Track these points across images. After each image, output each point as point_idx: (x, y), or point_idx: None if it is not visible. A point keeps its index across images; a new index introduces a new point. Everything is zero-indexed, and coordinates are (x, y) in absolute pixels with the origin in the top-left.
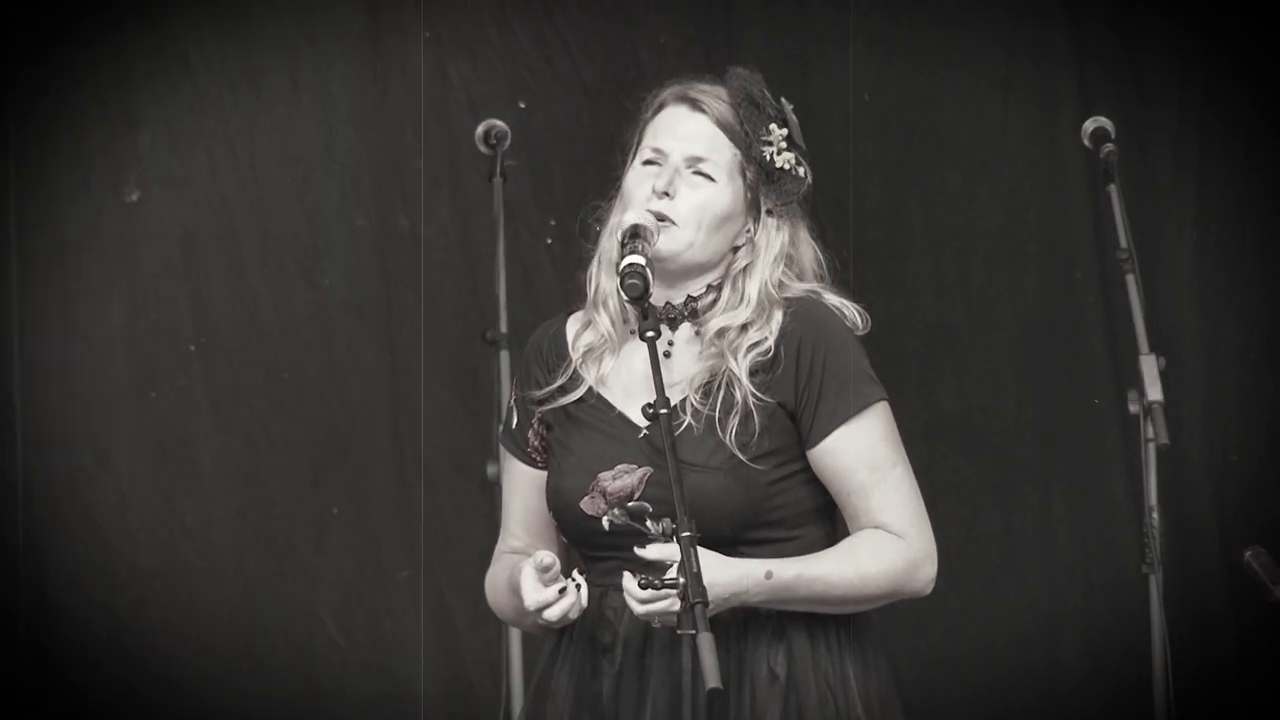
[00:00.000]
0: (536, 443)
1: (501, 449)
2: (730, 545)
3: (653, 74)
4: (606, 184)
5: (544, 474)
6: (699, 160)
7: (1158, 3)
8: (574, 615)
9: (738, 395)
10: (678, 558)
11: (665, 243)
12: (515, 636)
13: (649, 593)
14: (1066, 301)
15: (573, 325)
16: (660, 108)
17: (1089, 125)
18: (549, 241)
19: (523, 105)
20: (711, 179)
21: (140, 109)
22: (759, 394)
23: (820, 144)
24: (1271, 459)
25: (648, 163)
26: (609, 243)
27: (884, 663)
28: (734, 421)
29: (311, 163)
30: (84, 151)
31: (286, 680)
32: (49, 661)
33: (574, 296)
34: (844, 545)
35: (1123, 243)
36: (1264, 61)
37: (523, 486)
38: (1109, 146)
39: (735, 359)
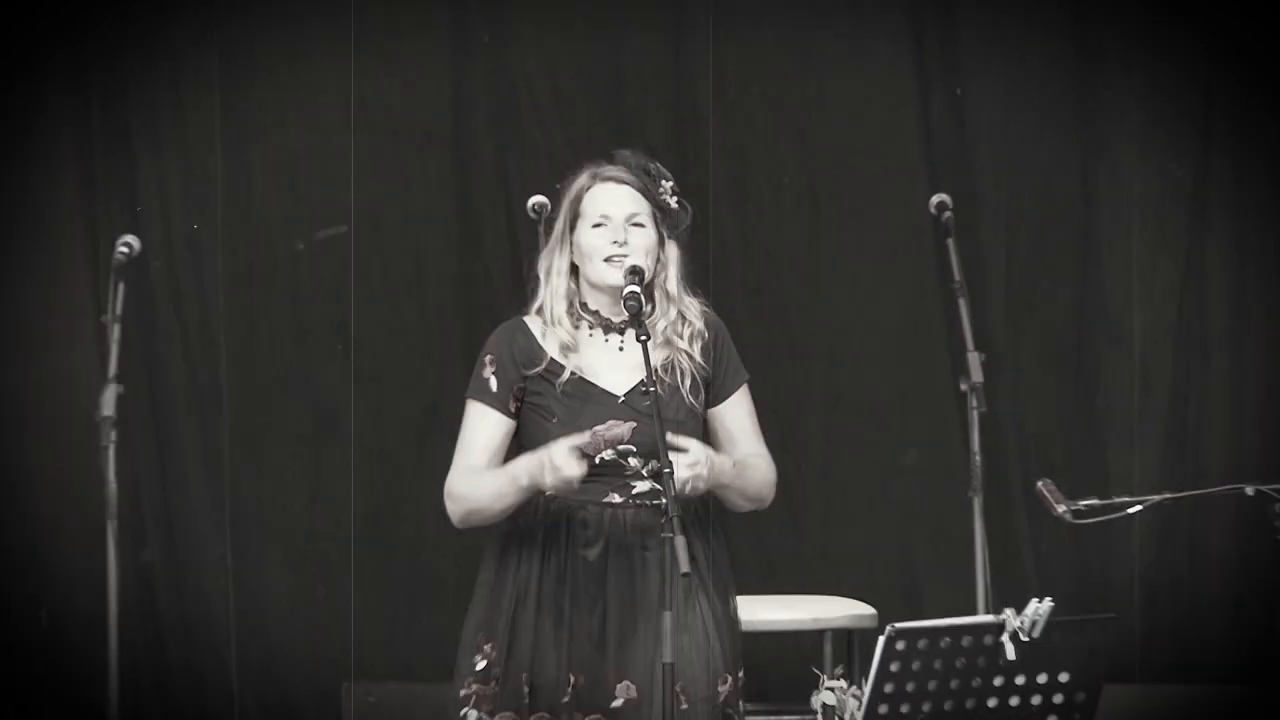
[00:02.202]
0: (513, 405)
1: (472, 402)
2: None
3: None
4: None
5: (513, 422)
6: (634, 215)
7: (985, 98)
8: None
9: (689, 368)
10: (688, 448)
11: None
12: None
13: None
14: (922, 314)
15: (535, 328)
16: (588, 188)
17: (934, 199)
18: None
19: (557, 187)
20: (643, 225)
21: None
22: (704, 365)
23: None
24: (1051, 423)
25: (597, 225)
26: (557, 280)
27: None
28: (687, 385)
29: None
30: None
31: None
32: None
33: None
34: (748, 460)
35: (956, 276)
36: (1065, 157)
37: (494, 428)
38: (947, 214)
39: (686, 344)
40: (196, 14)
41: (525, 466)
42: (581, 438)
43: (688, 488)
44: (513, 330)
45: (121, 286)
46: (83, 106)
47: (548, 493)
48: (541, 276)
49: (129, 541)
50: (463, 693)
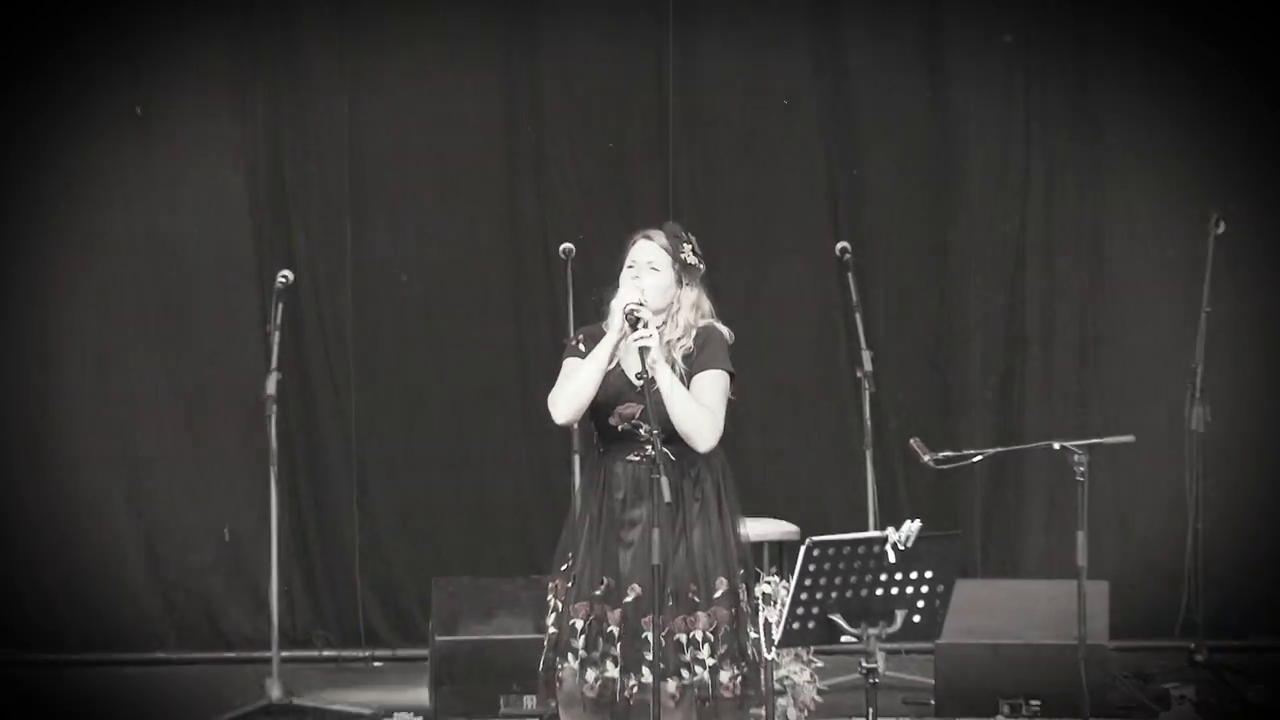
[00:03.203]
0: (581, 357)
1: (566, 360)
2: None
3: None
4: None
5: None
6: (651, 262)
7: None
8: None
9: (679, 367)
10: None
11: (647, 303)
12: None
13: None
14: (831, 325)
15: (601, 330)
16: (633, 243)
17: (839, 246)
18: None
19: (580, 237)
20: (657, 270)
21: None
22: (686, 367)
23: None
24: (918, 398)
25: (629, 267)
26: (615, 304)
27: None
28: (677, 376)
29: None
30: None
31: None
32: None
33: (595, 318)
34: (691, 396)
35: (854, 299)
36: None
37: (577, 366)
38: (847, 256)
39: (675, 354)
40: (329, 84)
41: (604, 339)
42: (629, 297)
43: (634, 314)
44: (594, 328)
45: (280, 305)
46: (253, 153)
47: (623, 310)
48: (621, 286)
49: (284, 481)
50: (550, 585)
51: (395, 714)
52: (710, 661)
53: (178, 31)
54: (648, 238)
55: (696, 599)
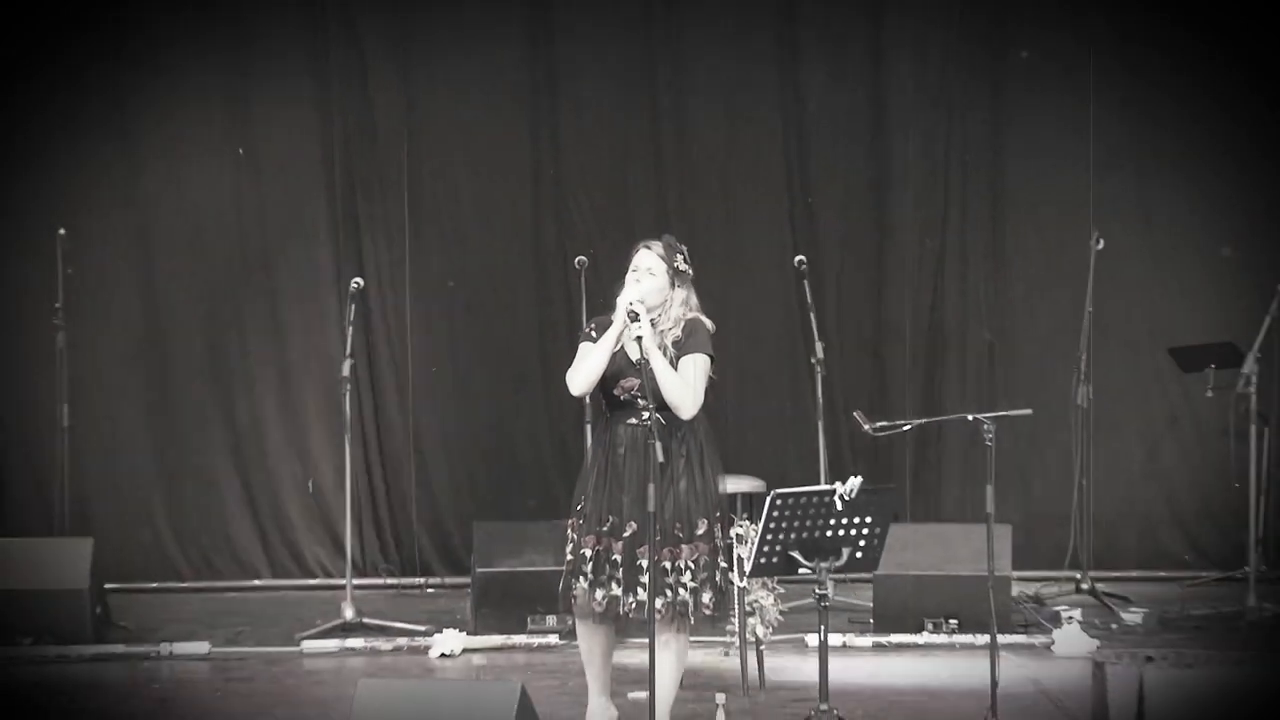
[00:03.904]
0: (593, 342)
1: (581, 344)
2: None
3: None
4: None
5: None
6: (650, 268)
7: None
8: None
9: (670, 351)
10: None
11: (644, 300)
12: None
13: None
14: (791, 323)
15: (609, 320)
16: (635, 251)
17: (796, 259)
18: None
19: (591, 251)
20: (654, 274)
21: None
22: (675, 351)
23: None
24: (860, 379)
25: (633, 270)
26: (619, 301)
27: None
28: (667, 360)
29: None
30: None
31: None
32: None
33: (604, 312)
34: (676, 372)
35: (808, 301)
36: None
37: (589, 348)
38: (804, 267)
39: (666, 341)
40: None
41: (610, 329)
42: (630, 296)
43: (633, 311)
44: (604, 318)
45: (353, 306)
46: (334, 187)
47: (624, 307)
48: (624, 288)
49: (356, 444)
50: (569, 522)
51: (444, 630)
52: (692, 585)
53: (280, 103)
54: (647, 247)
55: (681, 535)
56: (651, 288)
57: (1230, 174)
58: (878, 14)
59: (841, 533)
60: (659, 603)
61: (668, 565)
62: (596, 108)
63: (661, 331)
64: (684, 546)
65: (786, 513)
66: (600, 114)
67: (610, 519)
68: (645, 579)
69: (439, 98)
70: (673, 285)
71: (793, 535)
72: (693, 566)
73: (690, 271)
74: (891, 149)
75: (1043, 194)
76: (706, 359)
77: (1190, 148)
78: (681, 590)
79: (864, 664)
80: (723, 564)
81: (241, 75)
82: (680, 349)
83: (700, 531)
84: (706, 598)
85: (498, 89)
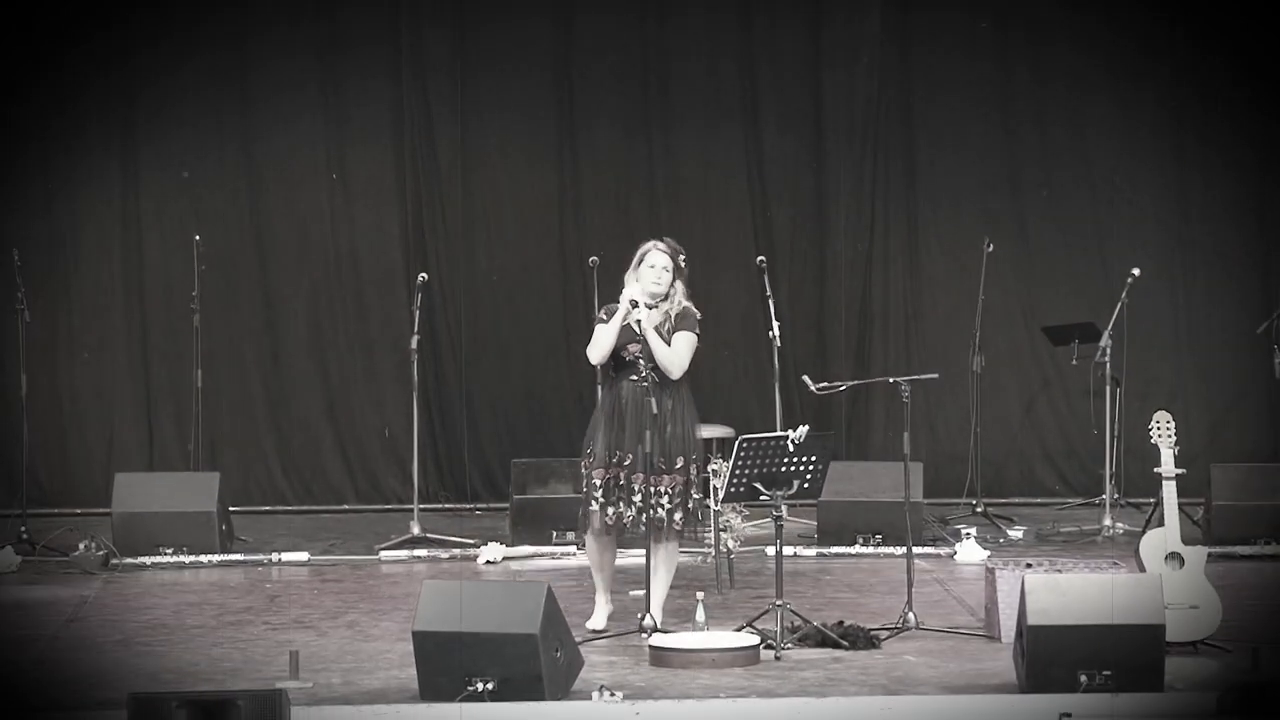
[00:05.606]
0: (605, 323)
1: (598, 325)
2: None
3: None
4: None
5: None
6: (665, 265)
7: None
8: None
9: (666, 329)
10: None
11: (647, 290)
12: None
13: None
14: (754, 311)
15: (619, 303)
16: (648, 251)
17: (759, 259)
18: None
19: (601, 253)
20: (667, 270)
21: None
22: (671, 327)
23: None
24: (808, 350)
25: (650, 267)
26: (627, 290)
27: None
28: (663, 332)
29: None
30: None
31: None
32: None
33: (612, 300)
34: (669, 345)
35: (768, 293)
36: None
37: (603, 329)
38: (764, 265)
39: (670, 319)
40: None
41: (617, 313)
42: (631, 293)
43: (634, 300)
44: (612, 305)
45: (420, 294)
46: (405, 202)
47: (627, 299)
48: (626, 284)
49: (422, 400)
50: (582, 461)
51: (489, 543)
52: (668, 506)
53: (365, 140)
54: (659, 248)
55: (664, 467)
56: (662, 280)
57: (1081, 194)
58: (816, 84)
59: (793, 468)
60: (642, 516)
61: (651, 489)
62: (607, 144)
63: (666, 313)
64: (665, 477)
65: (751, 453)
66: (608, 149)
67: (616, 454)
68: (639, 499)
69: (487, 136)
70: (673, 278)
71: (756, 470)
72: (669, 492)
73: (685, 269)
74: (830, 179)
75: (945, 211)
76: (694, 337)
77: (1050, 177)
78: (660, 510)
79: (810, 568)
80: (696, 494)
81: (338, 123)
82: (674, 328)
83: (679, 466)
84: (678, 516)
85: (531, 130)
